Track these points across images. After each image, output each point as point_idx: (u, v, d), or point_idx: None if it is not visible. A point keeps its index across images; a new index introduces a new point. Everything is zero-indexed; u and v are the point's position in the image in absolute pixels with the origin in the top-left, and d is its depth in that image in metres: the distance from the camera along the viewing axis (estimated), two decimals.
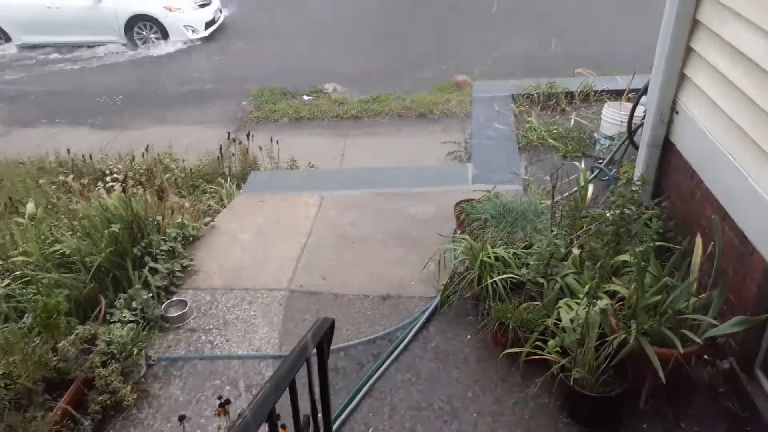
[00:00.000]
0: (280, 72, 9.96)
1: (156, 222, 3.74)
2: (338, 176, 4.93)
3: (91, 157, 5.83)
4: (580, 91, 5.87)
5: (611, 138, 4.72)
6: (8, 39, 11.10)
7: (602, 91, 5.87)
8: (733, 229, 2.60)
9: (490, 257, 3.00)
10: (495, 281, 2.89)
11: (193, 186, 5.69)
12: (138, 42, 10.80)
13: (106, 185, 5.41)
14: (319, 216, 4.30)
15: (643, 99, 3.80)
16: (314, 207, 4.42)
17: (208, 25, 11.11)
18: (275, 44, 11.35)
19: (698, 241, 2.63)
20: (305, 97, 8.89)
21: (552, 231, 3.13)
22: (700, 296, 2.54)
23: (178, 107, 9.04)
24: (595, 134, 4.94)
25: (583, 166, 4.28)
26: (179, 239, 3.87)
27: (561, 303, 2.67)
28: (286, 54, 10.81)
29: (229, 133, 6.08)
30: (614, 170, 4.35)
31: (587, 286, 2.72)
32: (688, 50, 3.08)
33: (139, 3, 10.69)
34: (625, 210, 2.38)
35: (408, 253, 3.75)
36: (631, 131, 4.06)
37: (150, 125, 8.42)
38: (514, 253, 3.07)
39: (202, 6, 11.09)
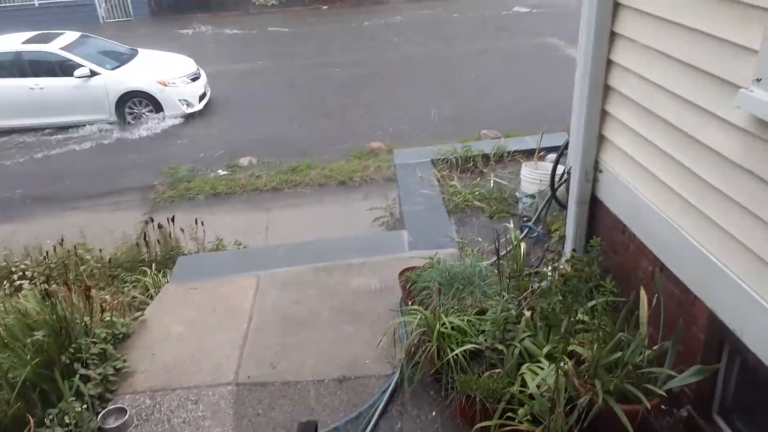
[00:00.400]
0: (195, 150, 9.77)
1: (83, 323, 3.45)
2: (273, 253, 4.81)
3: None
4: (495, 153, 6.15)
5: (532, 196, 4.94)
6: None
7: (514, 151, 6.18)
8: (672, 280, 2.75)
9: (446, 327, 2.99)
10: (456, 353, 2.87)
11: (111, 276, 5.34)
12: (129, 119, 10.34)
13: (14, 284, 4.97)
14: (259, 298, 4.14)
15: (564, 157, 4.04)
16: (251, 289, 4.26)
17: (200, 98, 10.87)
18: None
19: (643, 294, 2.76)
20: (221, 172, 8.73)
21: (503, 295, 3.18)
22: (653, 348, 2.65)
23: (93, 193, 8.59)
24: (516, 193, 5.17)
25: (512, 225, 4.46)
26: (109, 339, 3.58)
27: (524, 369, 2.69)
28: (202, 132, 10.63)
29: (151, 218, 5.80)
30: (540, 227, 4.55)
31: (545, 349, 2.77)
32: (604, 113, 3.33)
33: (132, 79, 10.29)
34: (583, 272, 2.46)
35: (358, 330, 3.67)
36: (554, 189, 4.27)
37: (59, 214, 7.94)
38: (468, 321, 3.08)
39: (193, 80, 10.84)
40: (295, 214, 7.52)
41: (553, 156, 5.64)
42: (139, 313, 4.04)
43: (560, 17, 15.17)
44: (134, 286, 5.06)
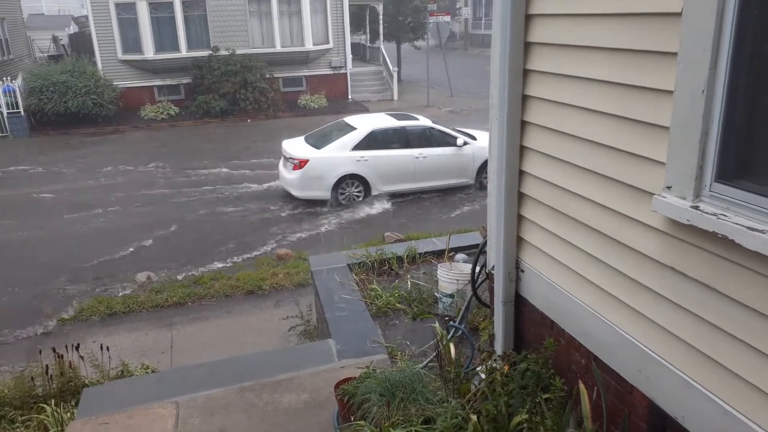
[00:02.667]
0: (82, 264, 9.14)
1: None
2: (190, 375, 4.49)
3: None
4: (407, 255, 6.32)
5: (451, 296, 5.09)
6: (368, 191, 11.24)
7: (426, 252, 6.39)
8: (607, 372, 2.90)
9: None
10: None
11: None
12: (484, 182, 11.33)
13: None
14: (180, 429, 3.81)
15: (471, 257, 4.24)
16: (171, 418, 3.92)
17: None
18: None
19: (582, 389, 2.87)
20: (117, 292, 8.20)
21: (449, 401, 3.17)
22: None
23: None
24: (435, 293, 5.30)
25: (437, 326, 4.53)
26: None
27: None
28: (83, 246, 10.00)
29: (41, 350, 5.25)
30: (464, 326, 4.66)
31: None
32: (521, 217, 3.58)
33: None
34: (527, 372, 2.54)
35: None
36: (475, 288, 4.44)
37: None
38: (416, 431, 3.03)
39: None
40: (202, 329, 7.15)
41: (461, 256, 5.91)
42: None
43: None
44: (26, 426, 4.49)
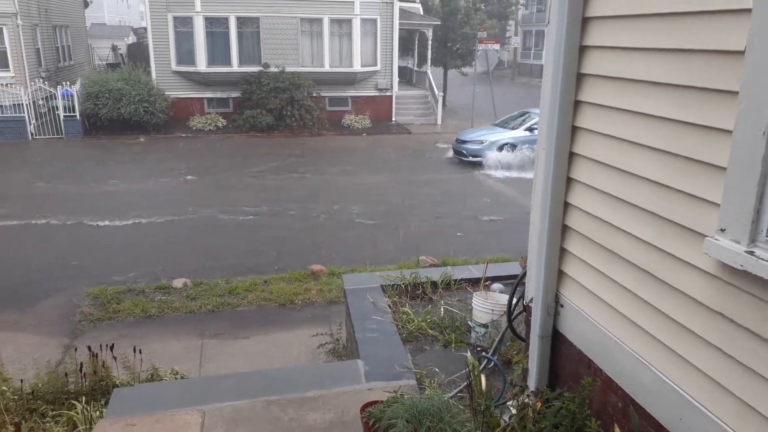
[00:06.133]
0: (125, 268, 9.37)
1: None
2: (218, 384, 4.50)
3: None
4: (442, 280, 6.25)
5: (485, 326, 5.00)
6: None
7: (461, 279, 6.31)
8: (645, 417, 2.78)
9: None
10: None
11: (29, 410, 4.80)
12: None
13: None
14: None
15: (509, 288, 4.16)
16: (196, 426, 3.93)
17: None
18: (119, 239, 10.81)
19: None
20: (155, 296, 8.34)
21: None
22: None
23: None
24: (469, 322, 5.21)
25: (469, 355, 4.44)
26: None
27: None
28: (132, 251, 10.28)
29: (73, 348, 5.36)
30: (496, 357, 4.56)
31: None
32: (563, 251, 3.50)
33: None
34: (561, 411, 2.45)
35: None
36: (511, 320, 4.35)
37: None
38: None
39: None
40: (232, 339, 7.20)
41: (498, 286, 5.82)
42: None
43: None
44: (56, 422, 4.56)
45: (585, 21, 3.00)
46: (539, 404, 3.23)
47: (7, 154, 17.44)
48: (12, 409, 4.70)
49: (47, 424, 4.47)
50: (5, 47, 19.93)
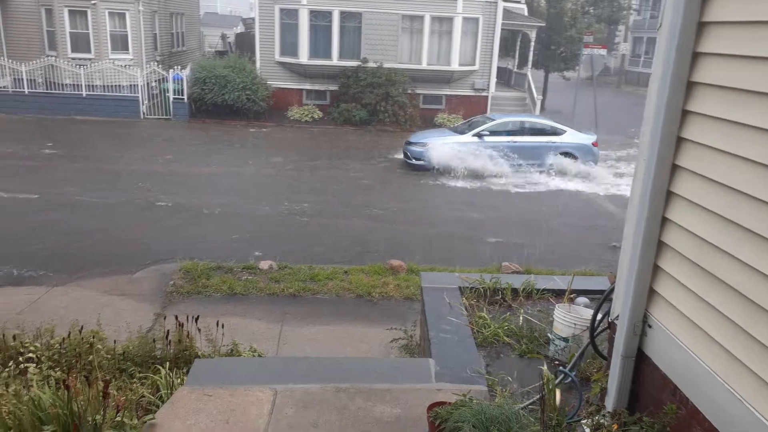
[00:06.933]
0: (215, 247, 9.83)
1: (94, 421, 3.25)
2: (293, 367, 4.62)
3: (4, 338, 5.17)
4: (524, 289, 6.08)
5: (566, 340, 4.81)
6: None
7: (544, 290, 6.10)
8: None
9: None
10: None
11: (120, 370, 5.14)
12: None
13: (19, 366, 4.78)
14: (274, 416, 3.92)
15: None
16: (267, 404, 4.05)
17: None
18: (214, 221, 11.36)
19: None
20: (242, 275, 8.68)
21: None
22: None
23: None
24: (549, 334, 5.03)
25: (545, 368, 4.28)
26: None
27: None
28: (223, 231, 10.77)
29: (164, 316, 5.68)
30: (574, 373, 4.38)
31: None
32: (656, 268, 3.29)
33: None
34: None
35: None
36: (594, 336, 4.15)
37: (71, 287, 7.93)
38: None
39: None
40: (310, 324, 7.37)
41: (583, 299, 5.58)
42: (150, 416, 3.81)
43: None
44: (142, 383, 4.84)
45: (701, 26, 2.80)
46: (615, 426, 3.07)
47: (123, 131, 18.78)
48: (105, 367, 5.05)
49: (134, 385, 4.76)
50: (126, 31, 21.43)
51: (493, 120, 16.63)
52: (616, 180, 15.83)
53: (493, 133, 16.05)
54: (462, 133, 16.48)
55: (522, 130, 16.33)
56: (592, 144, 16.46)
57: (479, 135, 16.05)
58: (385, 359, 5.26)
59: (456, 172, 15.33)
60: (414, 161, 15.91)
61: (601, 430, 3.06)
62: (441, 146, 15.79)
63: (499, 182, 15.07)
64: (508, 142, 15.83)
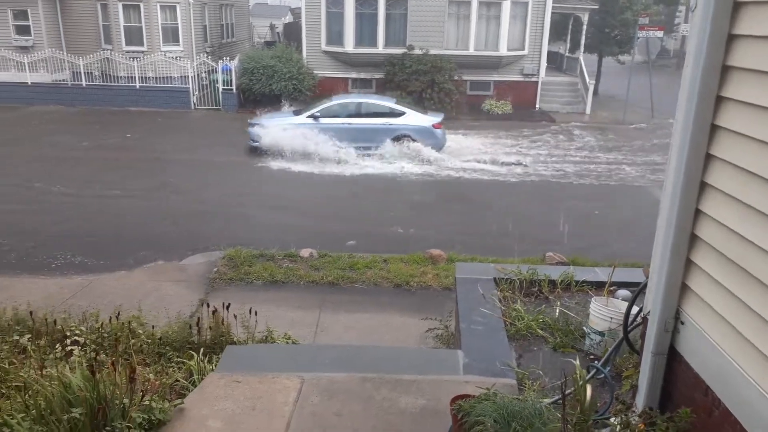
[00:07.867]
0: (258, 235, 10.01)
1: (122, 404, 3.37)
2: (321, 355, 4.66)
3: (55, 322, 5.41)
4: (562, 280, 5.92)
5: (601, 334, 4.66)
6: None
7: (583, 282, 5.92)
8: None
9: None
10: None
11: (158, 354, 5.31)
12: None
13: (65, 348, 5.00)
14: (300, 403, 3.96)
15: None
16: (294, 391, 4.10)
17: None
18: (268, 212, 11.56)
19: None
20: (283, 262, 8.80)
21: None
22: None
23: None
24: (584, 328, 4.89)
25: (578, 363, 4.16)
26: (144, 425, 3.47)
27: None
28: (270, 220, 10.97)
29: (206, 302, 5.82)
30: (608, 369, 4.24)
31: None
32: (689, 263, 3.13)
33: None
34: None
35: None
36: (627, 332, 4.01)
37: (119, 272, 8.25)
38: None
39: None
40: (348, 312, 7.42)
41: (623, 292, 5.39)
42: (179, 401, 3.92)
43: None
44: (179, 368, 4.99)
45: (736, 5, 2.62)
46: (642, 426, 2.95)
47: (175, 121, 19.31)
48: (144, 351, 5.23)
49: (170, 369, 4.91)
50: (177, 24, 21.95)
51: (331, 101, 16.14)
52: (460, 164, 15.17)
53: (328, 114, 15.54)
54: (298, 114, 15.99)
55: (359, 113, 15.76)
56: (434, 126, 15.62)
57: (314, 117, 15.51)
58: (415, 349, 5.24)
59: (285, 154, 14.98)
60: (251, 142, 15.53)
61: (628, 428, 2.94)
62: (274, 128, 15.39)
63: (324, 166, 14.57)
64: (342, 124, 15.33)
